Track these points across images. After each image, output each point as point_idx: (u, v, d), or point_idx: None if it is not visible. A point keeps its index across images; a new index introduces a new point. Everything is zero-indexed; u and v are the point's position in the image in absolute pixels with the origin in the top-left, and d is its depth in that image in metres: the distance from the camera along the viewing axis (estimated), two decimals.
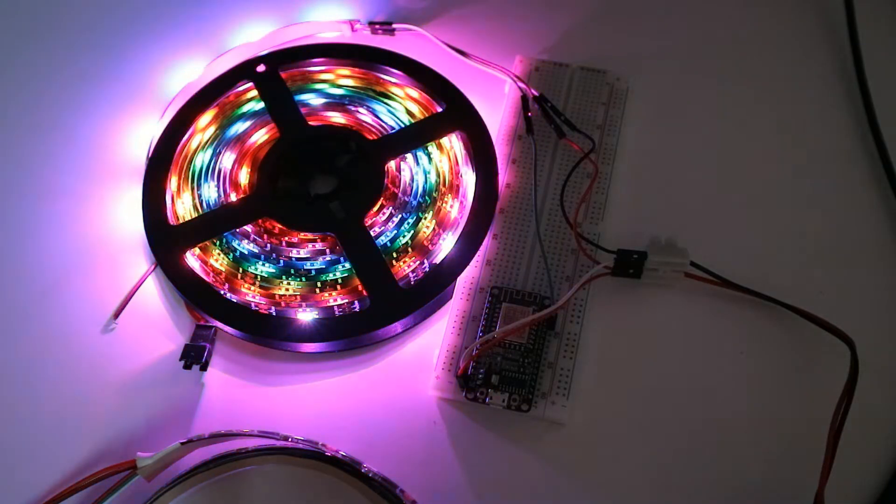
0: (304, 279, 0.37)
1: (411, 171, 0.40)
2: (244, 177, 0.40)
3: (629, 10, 0.45)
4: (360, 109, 0.41)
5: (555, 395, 0.34)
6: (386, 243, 0.38)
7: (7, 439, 0.35)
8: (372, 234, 0.38)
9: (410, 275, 0.37)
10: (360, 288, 0.36)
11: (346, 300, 0.36)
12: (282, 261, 0.37)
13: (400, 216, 0.38)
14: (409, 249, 0.37)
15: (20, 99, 0.44)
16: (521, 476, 0.34)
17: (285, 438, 0.33)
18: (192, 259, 0.38)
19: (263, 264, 0.37)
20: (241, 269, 0.37)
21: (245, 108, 0.42)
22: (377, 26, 0.44)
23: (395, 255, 0.37)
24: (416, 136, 0.40)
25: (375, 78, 0.43)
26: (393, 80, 0.42)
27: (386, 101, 0.42)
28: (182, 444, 0.33)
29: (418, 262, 0.37)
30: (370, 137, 0.40)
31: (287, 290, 0.37)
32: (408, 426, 0.35)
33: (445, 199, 0.39)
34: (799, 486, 0.32)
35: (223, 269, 0.37)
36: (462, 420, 0.35)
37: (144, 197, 0.39)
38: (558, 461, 0.34)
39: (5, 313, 0.38)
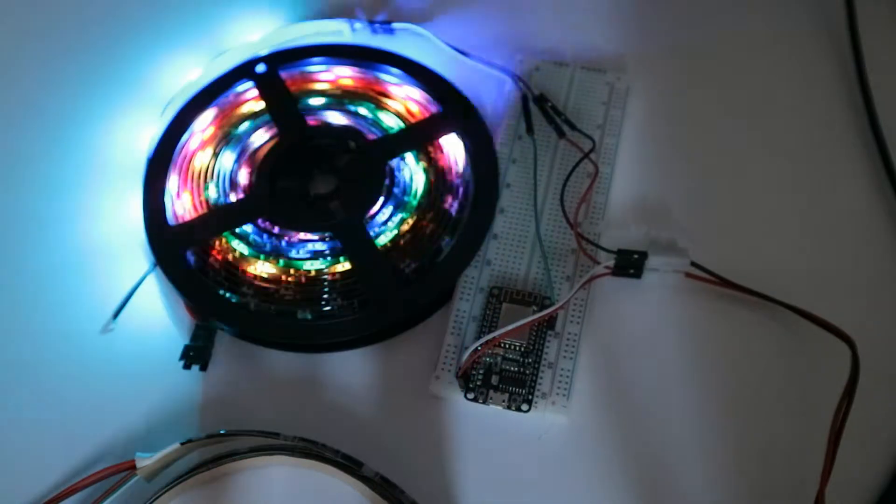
0: (304, 279, 0.37)
1: (411, 171, 0.40)
2: (244, 177, 0.40)
3: (630, 9, 0.45)
4: (360, 109, 0.41)
5: (555, 395, 0.34)
6: (386, 243, 0.37)
7: (6, 439, 0.35)
8: (372, 234, 0.38)
9: (410, 275, 0.37)
10: (359, 288, 0.36)
11: (346, 300, 0.36)
12: (282, 261, 0.37)
13: (400, 216, 0.38)
14: (409, 249, 0.37)
15: (20, 99, 0.44)
16: (521, 476, 0.34)
17: (285, 438, 0.33)
18: (192, 259, 0.38)
19: (263, 264, 0.37)
20: (240, 269, 0.37)
21: (245, 109, 0.42)
22: (377, 26, 0.44)
23: (395, 255, 0.37)
24: (416, 136, 0.40)
25: (375, 78, 0.43)
26: (393, 80, 0.42)
27: (386, 101, 0.42)
28: (182, 444, 0.33)
29: (418, 262, 0.37)
30: (370, 137, 0.40)
31: (287, 289, 0.37)
32: (408, 426, 0.35)
33: (445, 199, 0.39)
34: (799, 486, 0.32)
35: (223, 269, 0.37)
36: (462, 420, 0.35)
37: (144, 197, 0.39)
38: (558, 461, 0.34)
39: (4, 313, 0.38)
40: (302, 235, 0.38)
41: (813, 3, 0.45)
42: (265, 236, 0.38)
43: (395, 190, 0.39)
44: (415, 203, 0.39)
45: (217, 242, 0.38)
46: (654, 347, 0.36)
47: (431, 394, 0.35)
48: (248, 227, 0.38)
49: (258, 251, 0.38)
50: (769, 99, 0.42)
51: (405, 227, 0.38)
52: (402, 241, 0.38)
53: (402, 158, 0.40)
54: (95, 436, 0.35)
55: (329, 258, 0.37)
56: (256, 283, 0.37)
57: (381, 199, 0.39)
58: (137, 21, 0.46)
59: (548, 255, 0.37)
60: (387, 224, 0.38)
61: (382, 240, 0.38)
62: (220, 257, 0.38)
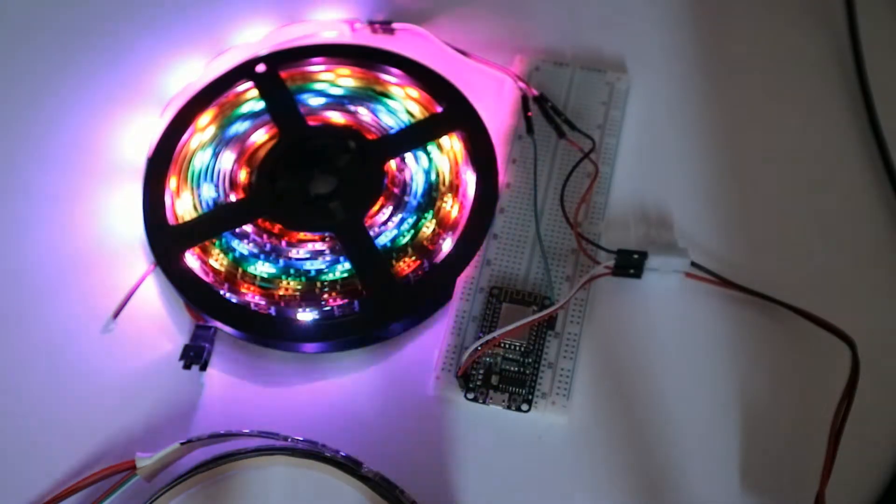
0: (304, 279, 0.37)
1: (411, 171, 0.40)
2: (244, 177, 0.40)
3: (630, 9, 0.45)
4: (360, 109, 0.41)
5: (555, 395, 0.34)
6: (386, 243, 0.37)
7: (6, 439, 0.35)
8: (372, 234, 0.38)
9: (410, 275, 0.37)
10: (360, 288, 0.36)
11: (346, 300, 0.36)
12: (282, 261, 0.37)
13: (400, 216, 0.38)
14: (409, 249, 0.37)
15: (19, 99, 0.44)
16: (521, 476, 0.34)
17: (285, 438, 0.33)
18: (191, 259, 0.38)
19: (263, 264, 0.37)
20: (240, 269, 0.37)
21: (245, 108, 0.42)
22: (377, 26, 0.44)
23: (395, 255, 0.37)
24: (416, 136, 0.40)
25: (375, 78, 0.43)
26: (393, 80, 0.42)
27: (386, 101, 0.42)
28: (182, 444, 0.33)
29: (418, 262, 0.37)
30: (370, 137, 0.40)
31: (287, 290, 0.37)
32: (408, 426, 0.35)
33: (445, 199, 0.39)
34: (799, 486, 0.32)
35: (223, 269, 0.37)
36: (462, 420, 0.35)
37: (144, 197, 0.39)
38: (558, 461, 0.34)
39: (4, 313, 0.38)
40: (302, 235, 0.38)
41: (813, 3, 0.45)
42: (265, 236, 0.38)
43: (395, 190, 0.39)
44: (415, 203, 0.39)
45: (217, 242, 0.38)
46: (655, 347, 0.36)
47: (431, 394, 0.35)
48: (248, 228, 0.38)
49: (258, 251, 0.38)
50: (769, 99, 0.42)
51: (405, 227, 0.38)
52: (402, 241, 0.38)
53: (403, 158, 0.40)
54: (95, 436, 0.35)
55: (329, 258, 0.37)
56: (256, 283, 0.37)
57: (381, 199, 0.39)
58: (137, 21, 0.46)
59: (548, 255, 0.37)
60: (387, 224, 0.38)
61: (382, 240, 0.38)
62: (219, 257, 0.38)
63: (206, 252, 0.38)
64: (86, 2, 0.46)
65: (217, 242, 0.38)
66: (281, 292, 0.37)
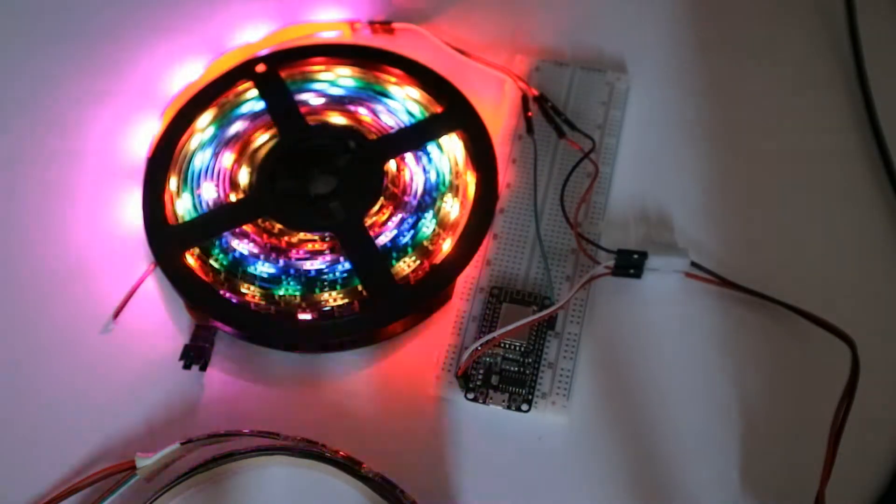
0: (303, 279, 0.37)
1: (411, 171, 0.40)
2: (244, 177, 0.40)
3: (630, 9, 0.45)
4: (360, 109, 0.41)
5: (555, 395, 0.34)
6: (386, 243, 0.37)
7: (6, 439, 0.35)
8: (372, 234, 0.38)
9: (410, 275, 0.37)
10: (359, 288, 0.36)
11: (346, 300, 0.36)
12: (282, 261, 0.37)
13: (400, 216, 0.38)
14: (409, 249, 0.37)
15: (19, 99, 0.44)
16: (521, 476, 0.34)
17: (285, 438, 0.33)
18: (191, 259, 0.38)
19: (263, 264, 0.37)
20: (240, 270, 0.37)
21: (245, 108, 0.42)
22: (377, 26, 0.44)
23: (394, 255, 0.37)
24: (416, 136, 0.40)
25: (375, 78, 0.43)
26: (393, 80, 0.42)
27: (386, 100, 0.42)
28: (182, 444, 0.33)
29: (418, 262, 0.37)
30: (370, 137, 0.40)
31: (287, 290, 0.37)
32: (408, 426, 0.35)
33: (445, 199, 0.39)
34: (799, 486, 0.32)
35: (223, 270, 0.37)
36: (462, 420, 0.35)
37: (144, 197, 0.39)
38: (558, 461, 0.34)
39: (5, 313, 0.38)
40: (302, 235, 0.38)
41: (813, 3, 0.45)
42: (265, 236, 0.38)
43: (395, 190, 0.39)
44: (415, 203, 0.39)
45: (217, 242, 0.38)
46: (655, 347, 0.36)
47: (431, 394, 0.35)
48: (248, 228, 0.38)
49: (258, 251, 0.38)
50: (769, 98, 0.42)
51: (405, 227, 0.38)
52: (402, 241, 0.38)
53: (403, 158, 0.40)
54: (95, 436, 0.35)
55: (329, 258, 0.37)
56: (256, 283, 0.37)
57: (381, 199, 0.39)
58: (137, 21, 0.46)
59: (548, 255, 0.37)
60: (387, 224, 0.38)
61: (382, 240, 0.38)
62: (219, 257, 0.38)
63: (206, 252, 0.38)
64: (86, 2, 0.46)
65: (217, 242, 0.38)
66: (281, 292, 0.37)
